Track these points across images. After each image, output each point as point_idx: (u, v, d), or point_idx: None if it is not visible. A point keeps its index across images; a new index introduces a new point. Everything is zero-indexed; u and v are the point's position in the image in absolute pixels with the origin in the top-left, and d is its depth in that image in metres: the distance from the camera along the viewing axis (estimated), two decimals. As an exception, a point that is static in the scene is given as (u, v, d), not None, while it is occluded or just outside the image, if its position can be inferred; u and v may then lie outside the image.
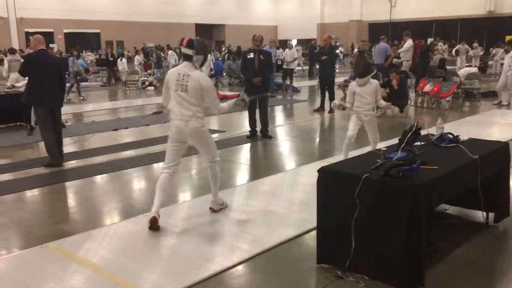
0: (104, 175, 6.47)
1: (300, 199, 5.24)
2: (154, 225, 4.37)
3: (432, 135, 4.42)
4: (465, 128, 8.51)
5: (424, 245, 3.22)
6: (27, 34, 31.42)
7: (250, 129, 8.68)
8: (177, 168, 4.67)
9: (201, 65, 4.47)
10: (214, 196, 4.87)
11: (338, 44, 33.11)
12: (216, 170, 4.78)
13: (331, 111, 11.37)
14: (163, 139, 8.55)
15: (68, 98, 15.23)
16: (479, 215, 4.41)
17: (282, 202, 5.16)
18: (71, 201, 5.62)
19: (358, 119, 6.11)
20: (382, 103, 6.10)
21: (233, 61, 19.92)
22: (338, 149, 7.88)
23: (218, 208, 4.87)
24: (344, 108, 6.43)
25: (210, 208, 4.89)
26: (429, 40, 15.37)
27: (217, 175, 4.80)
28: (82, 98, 15.42)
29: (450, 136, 4.34)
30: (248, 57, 8.40)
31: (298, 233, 4.28)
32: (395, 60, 12.79)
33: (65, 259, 3.89)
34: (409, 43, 13.82)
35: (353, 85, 6.06)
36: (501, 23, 34.78)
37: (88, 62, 27.35)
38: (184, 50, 4.38)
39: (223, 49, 30.82)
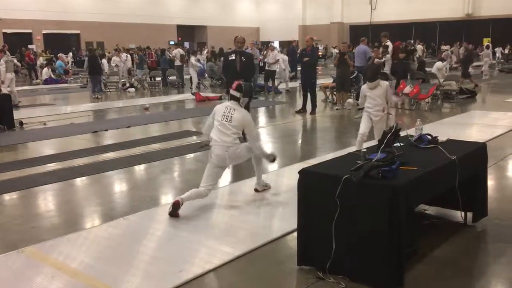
0: (83, 178, 6.38)
1: (282, 200, 5.24)
2: (174, 211, 4.73)
3: (411, 136, 4.47)
4: (444, 129, 8.62)
5: (403, 245, 3.25)
6: (5, 35, 30.91)
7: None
8: (214, 187, 5.19)
9: (245, 106, 5.24)
10: (259, 179, 5.52)
11: (319, 46, 33.31)
12: (260, 159, 5.46)
13: (312, 112, 11.42)
14: (144, 141, 8.51)
15: (97, 96, 15.31)
16: (458, 215, 4.48)
17: (264, 204, 5.16)
18: (50, 204, 5.52)
19: (369, 118, 6.48)
20: (393, 98, 6.57)
21: (215, 63, 19.88)
22: (320, 150, 7.92)
23: (262, 189, 5.52)
24: (360, 108, 6.77)
25: (255, 189, 5.51)
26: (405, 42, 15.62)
27: (261, 162, 5.48)
28: (107, 91, 16.61)
29: (429, 137, 4.39)
30: (230, 58, 8.37)
31: (279, 234, 4.28)
32: (376, 60, 12.89)
33: (43, 264, 3.83)
34: (390, 45, 13.93)
35: (364, 88, 6.45)
36: (479, 26, 35.49)
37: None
38: (233, 92, 5.13)
39: (205, 50, 30.72)
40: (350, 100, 6.81)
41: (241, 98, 5.08)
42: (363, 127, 6.51)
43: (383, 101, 6.34)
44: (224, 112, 5.06)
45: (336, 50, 14.25)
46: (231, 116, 5.01)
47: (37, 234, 4.46)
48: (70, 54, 30.52)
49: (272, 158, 5.61)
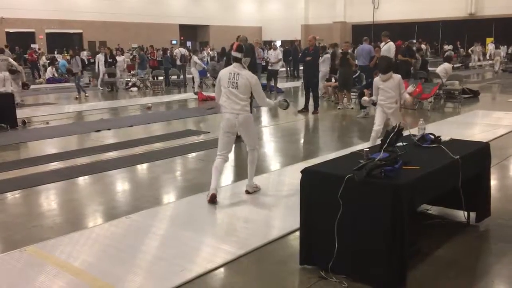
0: (86, 177, 6.38)
1: (284, 200, 5.24)
2: (213, 200, 5.05)
3: (414, 135, 4.46)
4: (446, 128, 8.60)
5: (406, 245, 3.24)
6: (8, 34, 30.95)
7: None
8: (228, 155, 5.35)
9: (248, 65, 5.14)
10: (250, 180, 5.42)
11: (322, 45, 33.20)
12: (255, 156, 5.38)
13: (315, 112, 11.40)
14: (146, 141, 8.51)
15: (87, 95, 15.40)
16: (461, 215, 4.46)
17: (266, 203, 5.15)
18: (52, 203, 5.52)
19: (383, 112, 6.54)
20: (406, 96, 6.64)
21: (217, 62, 19.87)
22: (322, 149, 7.91)
23: (253, 190, 5.43)
24: (373, 103, 6.83)
25: (246, 191, 5.42)
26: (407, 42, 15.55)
27: (255, 161, 5.39)
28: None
29: (432, 136, 4.37)
30: (232, 58, 8.37)
31: (282, 234, 4.28)
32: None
33: (45, 263, 3.83)
34: (392, 45, 13.88)
35: (377, 81, 6.51)
36: (481, 25, 35.37)
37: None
38: (234, 53, 5.06)
39: (208, 49, 30.72)
40: (365, 98, 6.86)
41: (242, 58, 5.03)
42: (378, 122, 6.58)
43: (396, 94, 6.42)
44: (229, 78, 5.04)
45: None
46: (237, 83, 5.00)
47: (40, 233, 4.46)
48: (84, 53, 29.56)
49: (286, 105, 5.55)
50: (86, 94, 15.67)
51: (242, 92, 5.01)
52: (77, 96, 15.63)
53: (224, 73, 5.13)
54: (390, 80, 6.35)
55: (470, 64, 26.94)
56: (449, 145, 4.15)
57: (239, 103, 5.03)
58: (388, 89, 6.38)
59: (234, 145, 5.53)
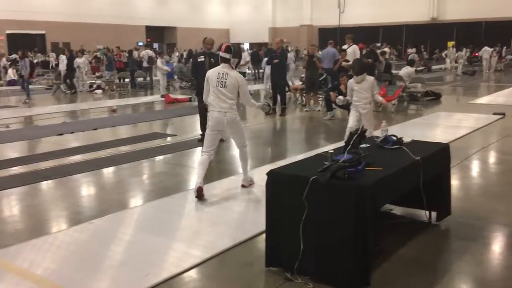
0: (49, 181, 6.23)
1: (252, 202, 5.25)
2: (200, 193, 5.19)
3: (377, 137, 4.55)
4: (409, 130, 8.80)
5: (370, 245, 3.31)
6: (-34, 34, 29.90)
7: (201, 133, 8.61)
8: (214, 152, 5.56)
9: (236, 66, 5.39)
10: (245, 175, 5.71)
11: (289, 48, 33.49)
12: (246, 153, 5.66)
13: (282, 114, 11.48)
14: (111, 144, 8.37)
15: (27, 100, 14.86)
16: (422, 214, 4.58)
17: (234, 206, 5.15)
18: (13, 209, 5.36)
19: (357, 112, 6.73)
20: (379, 98, 6.87)
21: (184, 64, 19.77)
22: (289, 151, 7.98)
23: (248, 184, 5.71)
24: (348, 102, 7.03)
25: (242, 185, 5.69)
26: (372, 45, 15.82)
27: (247, 157, 5.68)
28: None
29: (394, 138, 4.47)
30: (199, 60, 8.34)
31: (249, 236, 4.29)
32: (344, 63, 13.06)
33: (5, 271, 3.71)
34: (356, 47, 14.12)
35: (351, 82, 6.71)
36: (443, 29, 36.51)
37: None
38: (223, 54, 5.29)
39: (176, 53, 30.49)
40: (340, 97, 7.06)
41: (231, 59, 5.25)
42: (352, 122, 6.74)
43: (370, 95, 6.64)
44: (218, 78, 5.26)
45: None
46: (225, 82, 5.22)
47: (0, 240, 4.32)
48: (54, 55, 28.32)
49: (268, 108, 6.02)
50: (27, 100, 15.04)
51: (230, 92, 5.25)
52: (27, 100, 15.16)
53: (213, 73, 5.35)
54: (364, 82, 6.58)
55: (445, 67, 27.58)
56: (411, 147, 4.26)
57: (227, 101, 5.26)
58: (362, 91, 6.60)
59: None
